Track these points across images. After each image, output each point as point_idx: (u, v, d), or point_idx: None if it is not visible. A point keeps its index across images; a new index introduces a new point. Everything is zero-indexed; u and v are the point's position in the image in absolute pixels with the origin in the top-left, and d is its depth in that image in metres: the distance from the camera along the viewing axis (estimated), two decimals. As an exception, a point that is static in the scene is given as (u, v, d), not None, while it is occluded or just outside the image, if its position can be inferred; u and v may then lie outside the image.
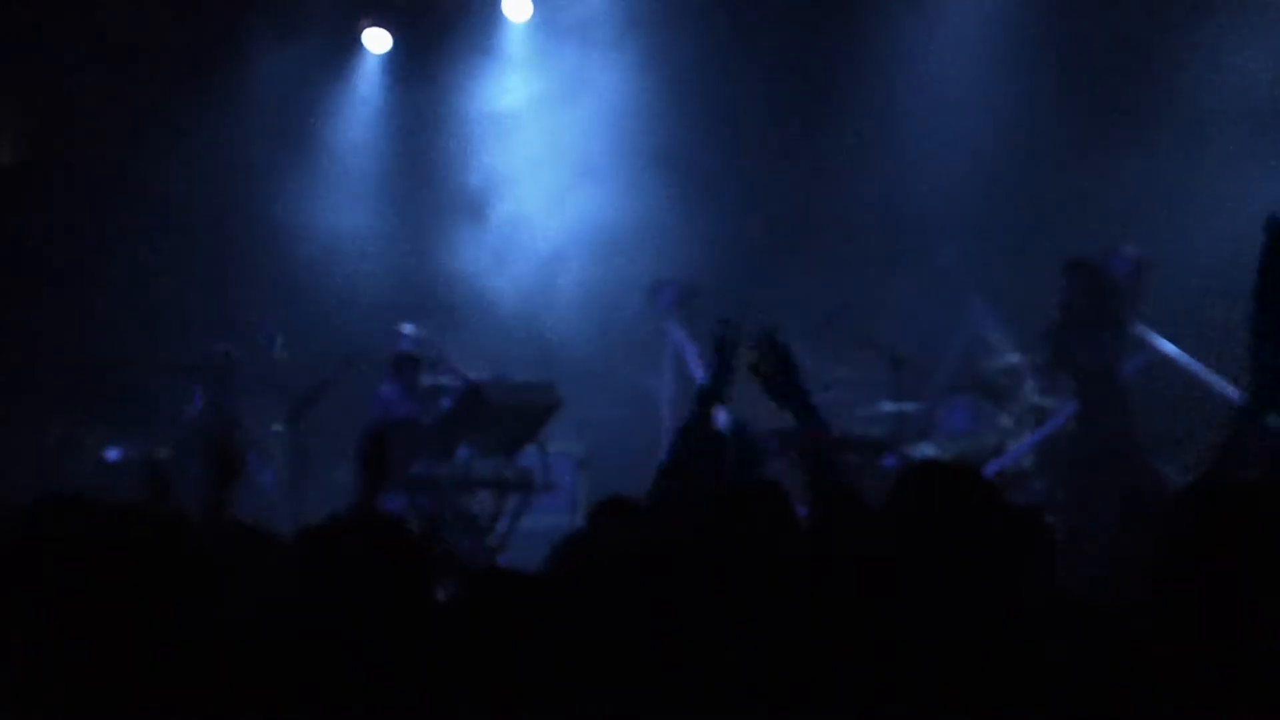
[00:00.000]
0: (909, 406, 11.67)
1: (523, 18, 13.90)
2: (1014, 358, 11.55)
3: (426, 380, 11.62)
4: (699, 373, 11.66)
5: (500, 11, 13.90)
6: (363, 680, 3.07)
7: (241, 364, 12.24)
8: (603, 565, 3.66)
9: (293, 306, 13.19)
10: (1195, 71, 12.01)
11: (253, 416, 12.24)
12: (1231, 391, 9.70)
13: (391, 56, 14.18)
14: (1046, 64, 12.49)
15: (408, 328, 12.39)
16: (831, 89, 13.05)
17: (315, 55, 13.82)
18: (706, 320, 12.08)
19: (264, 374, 12.20)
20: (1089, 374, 10.26)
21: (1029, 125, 12.53)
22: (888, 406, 11.67)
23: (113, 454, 12.41)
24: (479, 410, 10.97)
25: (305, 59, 13.69)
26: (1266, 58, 12.00)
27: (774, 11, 13.06)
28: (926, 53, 12.85)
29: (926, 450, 11.02)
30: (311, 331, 12.79)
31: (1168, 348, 10.68)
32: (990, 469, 10.45)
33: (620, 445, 12.11)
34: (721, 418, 5.30)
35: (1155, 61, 12.23)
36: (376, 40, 14.12)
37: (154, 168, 13.26)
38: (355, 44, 14.13)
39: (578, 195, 13.41)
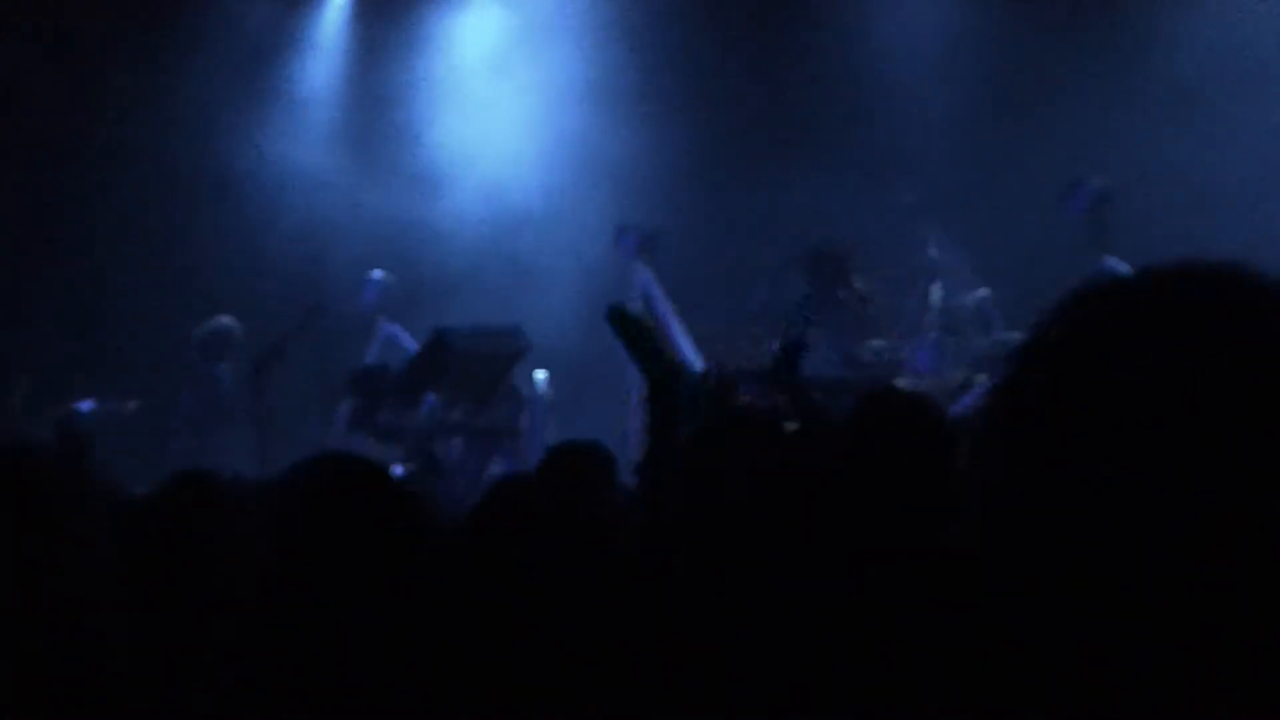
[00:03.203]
0: (876, 345, 11.65)
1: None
2: (980, 292, 11.54)
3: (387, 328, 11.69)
4: (667, 316, 11.65)
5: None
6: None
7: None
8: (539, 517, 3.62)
9: (255, 255, 13.16)
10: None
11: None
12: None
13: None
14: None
15: (377, 274, 12.39)
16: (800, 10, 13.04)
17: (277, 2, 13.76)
18: (671, 262, 12.18)
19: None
20: None
21: (998, 60, 12.53)
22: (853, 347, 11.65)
23: (85, 405, 12.37)
24: (445, 357, 10.94)
25: (265, 7, 13.62)
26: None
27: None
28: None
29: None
30: (275, 282, 12.77)
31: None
32: (958, 407, 10.46)
33: (590, 390, 12.11)
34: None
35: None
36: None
37: (109, 120, 13.18)
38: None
39: (546, 137, 13.37)
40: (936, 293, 11.64)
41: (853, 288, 11.39)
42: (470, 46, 13.89)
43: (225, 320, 12.43)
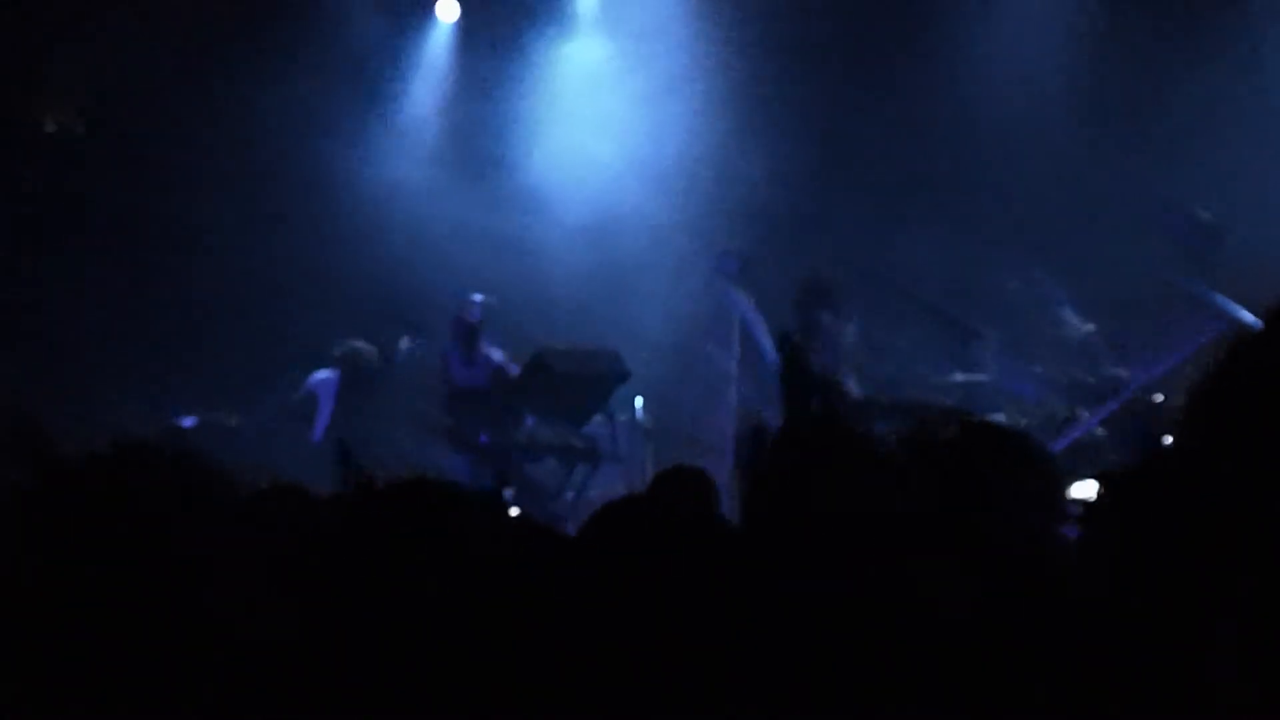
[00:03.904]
0: (978, 376, 11.57)
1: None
2: (1086, 327, 11.42)
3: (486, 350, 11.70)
4: (763, 342, 11.59)
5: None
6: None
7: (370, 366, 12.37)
8: (656, 535, 3.60)
9: (356, 270, 13.24)
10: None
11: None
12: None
13: (462, 25, 14.21)
14: (1115, 27, 12.39)
15: (477, 297, 12.42)
16: (912, 48, 12.95)
17: (386, 23, 13.85)
18: (771, 288, 12.13)
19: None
20: None
21: (1108, 93, 12.43)
22: (958, 376, 11.58)
23: (187, 420, 12.47)
24: (545, 378, 10.95)
25: (375, 26, 13.72)
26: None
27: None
28: (1011, 12, 12.75)
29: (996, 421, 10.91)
30: (373, 297, 12.84)
31: (1247, 317, 10.52)
32: (1062, 441, 10.34)
33: (688, 416, 12.08)
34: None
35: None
36: (447, 10, 14.17)
37: (218, 132, 13.31)
38: (428, 13, 14.18)
39: (650, 161, 13.39)
40: (1051, 326, 11.55)
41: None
42: (573, 71, 13.95)
43: (360, 344, 12.53)
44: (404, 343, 12.56)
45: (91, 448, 2.47)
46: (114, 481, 2.33)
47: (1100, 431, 10.88)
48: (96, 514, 2.30)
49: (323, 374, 12.51)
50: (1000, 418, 10.99)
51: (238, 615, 2.44)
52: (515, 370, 11.71)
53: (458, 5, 14.18)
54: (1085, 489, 5.90)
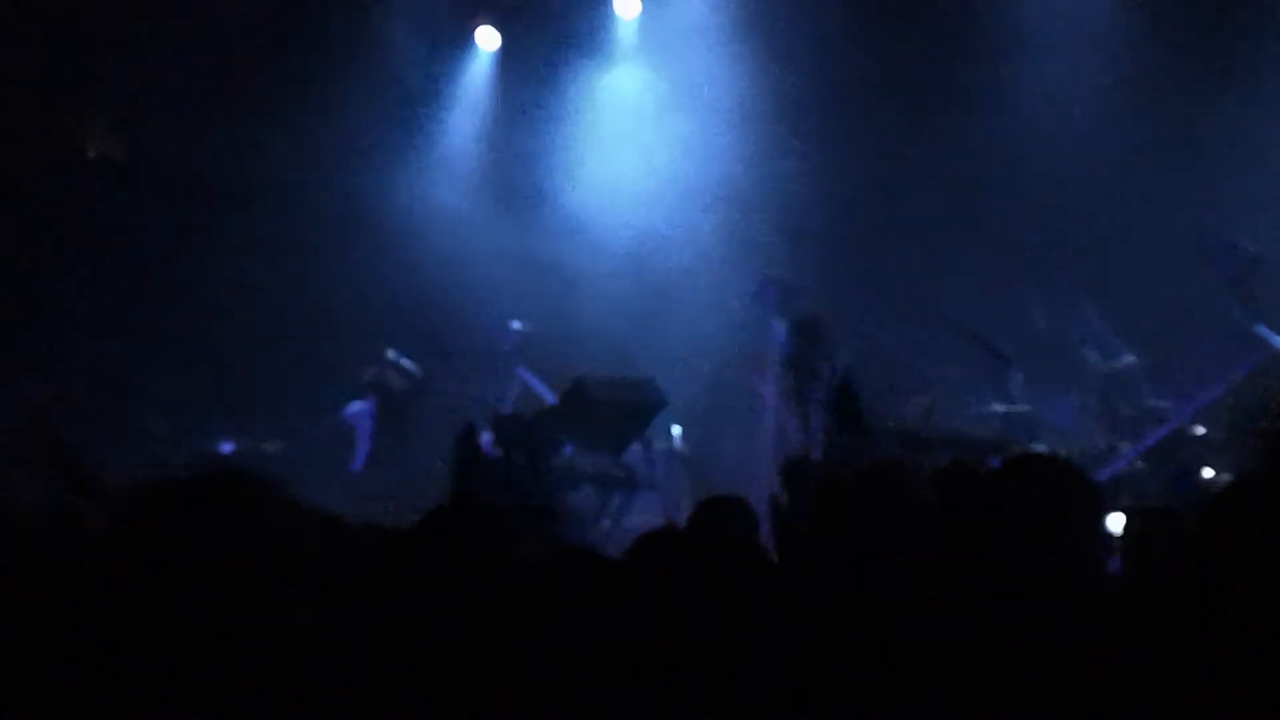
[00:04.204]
0: (1018, 407, 11.53)
1: (632, 14, 13.95)
2: (1127, 358, 11.37)
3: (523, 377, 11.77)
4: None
5: (610, 8, 13.96)
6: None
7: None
8: (699, 560, 3.60)
9: (395, 297, 13.27)
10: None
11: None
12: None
13: (502, 53, 14.26)
14: (1160, 61, 12.32)
15: (515, 324, 12.45)
16: (951, 81, 12.92)
17: (427, 52, 13.89)
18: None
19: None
20: None
21: (1144, 125, 12.38)
22: (997, 407, 11.54)
23: (225, 446, 12.52)
24: (583, 405, 10.93)
25: (416, 54, 13.76)
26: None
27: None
28: (1049, 49, 12.70)
29: (1035, 451, 10.86)
30: (415, 324, 12.87)
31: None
32: (1103, 473, 10.29)
33: (726, 444, 12.07)
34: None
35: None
36: (487, 38, 14.22)
37: (260, 159, 13.38)
38: (468, 41, 14.23)
39: (680, 193, 13.41)
40: (1092, 356, 11.51)
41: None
42: (613, 99, 13.99)
43: (388, 363, 12.57)
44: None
45: (134, 472, 2.49)
46: (212, 499, 2.36)
47: (1140, 463, 10.83)
48: (195, 529, 2.32)
49: (357, 405, 12.55)
50: (1039, 448, 10.97)
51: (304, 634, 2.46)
52: (552, 397, 11.73)
53: (498, 34, 14.23)
54: (1115, 521, 5.87)
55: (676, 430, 11.97)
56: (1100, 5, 12.76)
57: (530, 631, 3.12)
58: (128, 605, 2.30)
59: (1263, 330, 10.49)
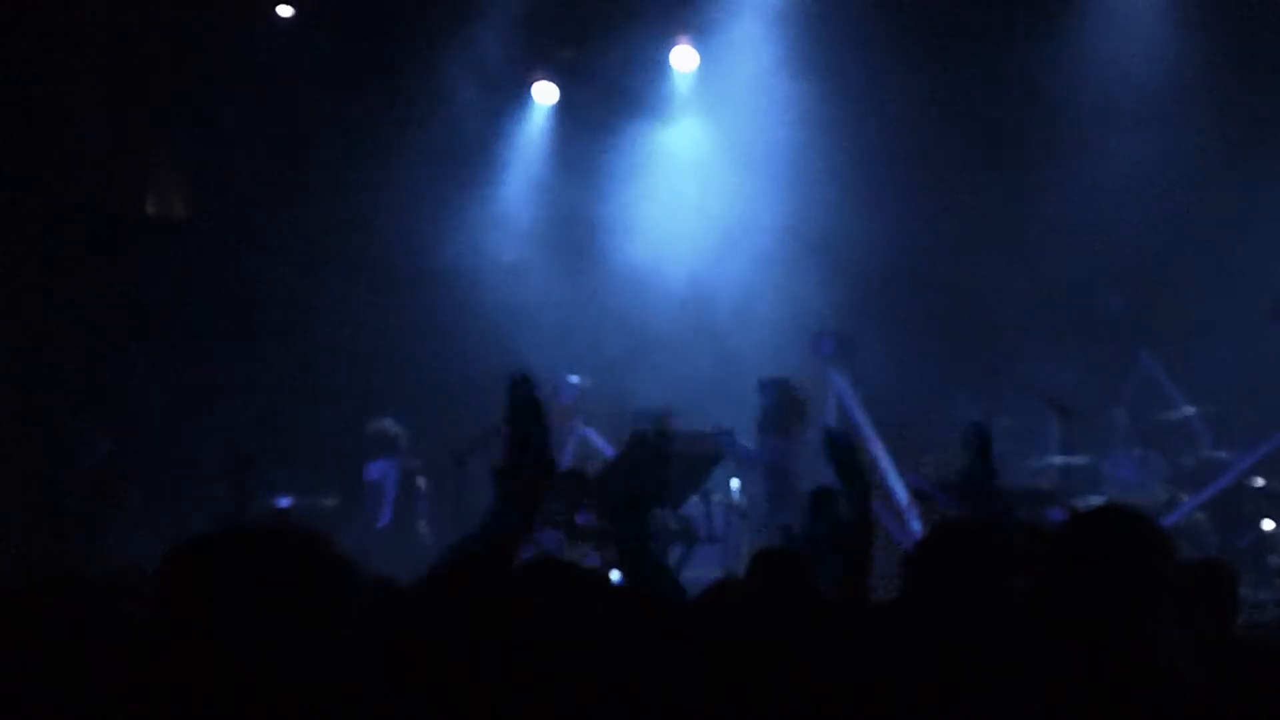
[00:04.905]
0: (1077, 459, 11.49)
1: (689, 67, 14.05)
2: (1187, 410, 11.33)
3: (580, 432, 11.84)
4: (861, 422, 11.60)
5: (667, 62, 14.07)
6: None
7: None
8: (753, 613, 3.63)
9: (456, 348, 13.34)
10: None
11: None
12: None
13: (561, 107, 14.37)
14: (1221, 115, 12.29)
15: (573, 378, 12.49)
16: (1002, 132, 12.93)
17: (486, 106, 14.01)
18: (866, 369, 12.14)
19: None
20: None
21: (1197, 167, 12.35)
22: (1056, 459, 11.50)
23: (284, 501, 12.56)
24: (644, 459, 10.96)
25: (475, 109, 13.88)
26: None
27: (942, 54, 12.98)
28: (1094, 92, 12.70)
29: (1095, 503, 10.83)
30: (469, 380, 12.94)
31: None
32: (1162, 524, 10.24)
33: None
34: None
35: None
36: (545, 93, 14.35)
37: (319, 216, 13.52)
38: (525, 96, 14.37)
39: (737, 247, 13.46)
40: (1145, 408, 11.48)
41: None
42: (671, 149, 14.06)
43: (386, 422, 12.60)
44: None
45: (195, 527, 2.53)
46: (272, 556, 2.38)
47: (1200, 515, 10.78)
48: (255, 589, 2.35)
49: (377, 464, 12.61)
50: (1098, 501, 10.94)
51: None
52: (610, 450, 11.77)
53: (556, 88, 14.36)
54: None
55: (735, 483, 11.97)
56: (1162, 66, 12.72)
57: (592, 685, 3.14)
58: (193, 662, 2.33)
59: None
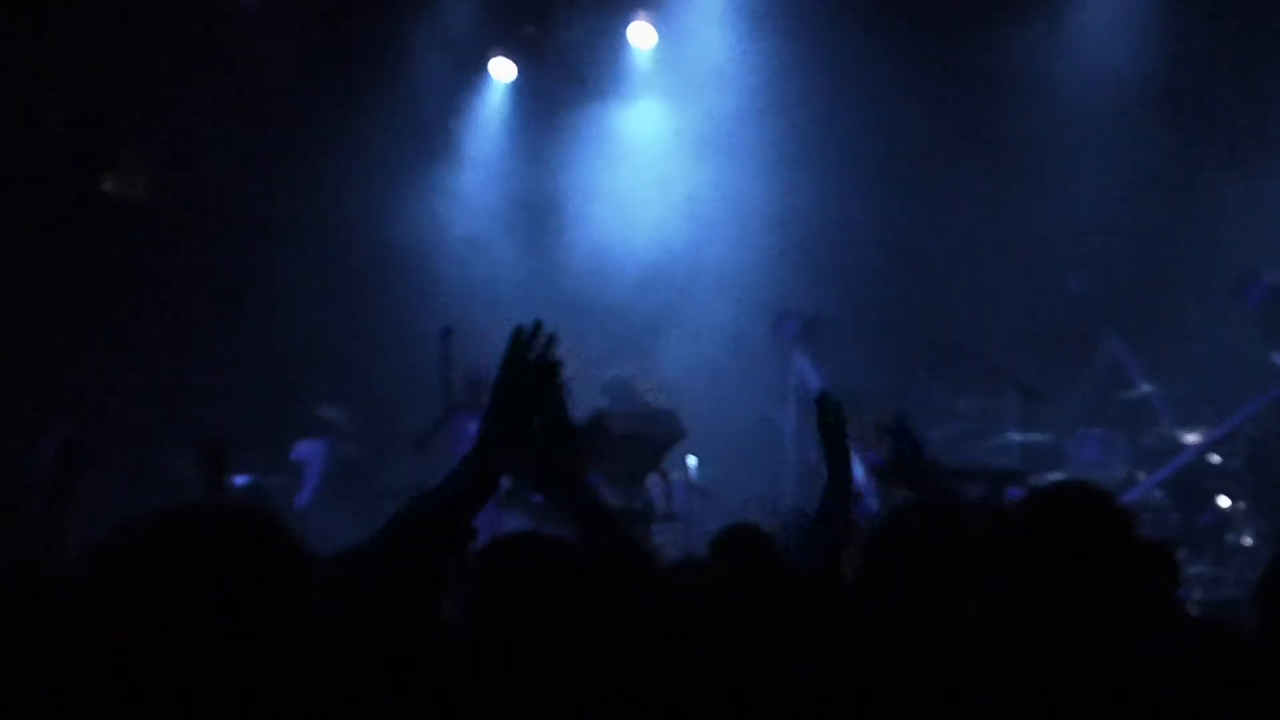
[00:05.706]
0: (1038, 437, 11.50)
1: (648, 45, 13.98)
2: (1147, 388, 11.34)
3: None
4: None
5: (625, 40, 13.99)
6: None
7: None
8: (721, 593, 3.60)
9: (417, 328, 13.27)
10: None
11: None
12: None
13: (518, 85, 14.29)
14: (1183, 93, 12.31)
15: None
16: (969, 114, 12.91)
17: (442, 84, 13.92)
18: (829, 349, 12.12)
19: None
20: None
21: (1163, 155, 12.36)
22: (1016, 437, 11.51)
23: (240, 479, 12.49)
24: (602, 439, 10.91)
25: (432, 87, 13.79)
26: None
27: (906, 28, 12.96)
28: (1064, 80, 12.70)
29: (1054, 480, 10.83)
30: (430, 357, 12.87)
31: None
32: (1121, 500, 10.25)
33: (743, 475, 12.04)
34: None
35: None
36: (502, 70, 14.26)
37: (279, 194, 13.43)
38: (482, 73, 14.28)
39: (697, 226, 13.41)
40: (1106, 386, 11.50)
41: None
42: (629, 128, 14.00)
43: (325, 407, 12.61)
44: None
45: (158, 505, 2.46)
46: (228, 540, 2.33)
47: (1159, 493, 10.80)
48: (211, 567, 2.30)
49: (304, 445, 12.58)
50: (1058, 478, 10.94)
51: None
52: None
53: (513, 65, 14.26)
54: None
55: (692, 461, 11.94)
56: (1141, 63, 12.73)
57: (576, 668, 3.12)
58: (152, 640, 2.29)
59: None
